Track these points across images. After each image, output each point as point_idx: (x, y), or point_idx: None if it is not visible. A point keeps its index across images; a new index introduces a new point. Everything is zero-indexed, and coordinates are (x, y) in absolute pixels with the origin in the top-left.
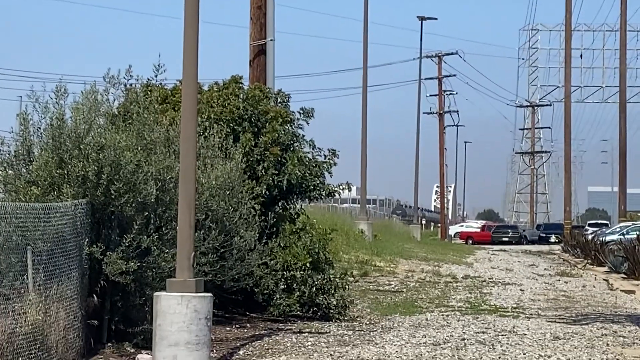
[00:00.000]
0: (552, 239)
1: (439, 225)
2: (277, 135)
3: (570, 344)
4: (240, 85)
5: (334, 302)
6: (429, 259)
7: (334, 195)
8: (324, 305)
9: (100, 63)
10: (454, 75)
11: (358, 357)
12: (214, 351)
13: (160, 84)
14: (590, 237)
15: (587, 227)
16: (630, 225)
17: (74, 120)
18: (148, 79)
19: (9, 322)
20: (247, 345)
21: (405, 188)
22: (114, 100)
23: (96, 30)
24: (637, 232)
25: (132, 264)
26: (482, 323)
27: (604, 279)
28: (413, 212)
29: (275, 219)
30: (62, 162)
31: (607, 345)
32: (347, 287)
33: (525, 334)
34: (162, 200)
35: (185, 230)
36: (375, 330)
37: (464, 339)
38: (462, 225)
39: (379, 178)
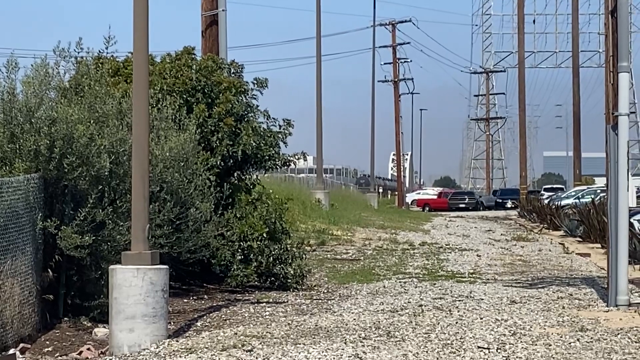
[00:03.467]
0: (509, 204)
1: (396, 193)
2: (230, 105)
3: (527, 307)
4: (193, 56)
5: (292, 272)
6: (386, 226)
7: (290, 164)
8: (281, 275)
9: (50, 36)
10: (408, 43)
11: (316, 325)
12: (172, 323)
13: (112, 56)
14: (546, 201)
15: (542, 192)
16: (585, 189)
17: (25, 94)
18: (99, 52)
19: None
20: (205, 317)
21: (361, 157)
22: (65, 73)
23: (46, 3)
24: (592, 196)
25: (87, 237)
26: (440, 289)
27: (560, 243)
28: (371, 181)
29: (230, 190)
30: (14, 136)
31: (563, 307)
32: (304, 256)
33: (482, 299)
34: (116, 173)
35: (139, 203)
36: (333, 299)
37: (421, 305)
38: (419, 193)
39: (335, 147)
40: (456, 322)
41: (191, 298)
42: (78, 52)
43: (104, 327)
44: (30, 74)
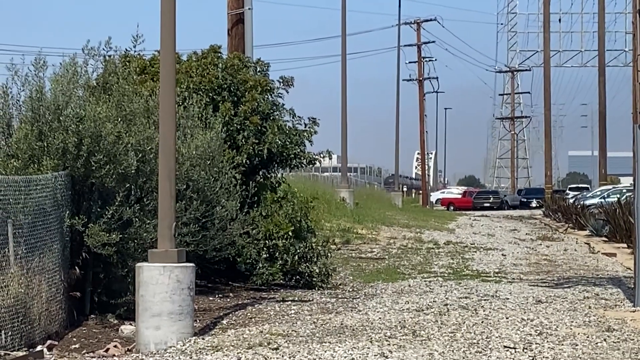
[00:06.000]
0: (534, 203)
1: (420, 192)
2: (256, 104)
3: (553, 307)
4: (219, 54)
5: (317, 270)
6: (410, 225)
7: (315, 163)
8: (306, 274)
9: (79, 34)
10: (433, 42)
11: (341, 324)
12: (198, 321)
13: (139, 54)
14: (571, 201)
15: (568, 191)
16: (610, 189)
17: (53, 92)
18: (126, 50)
19: None
20: (231, 315)
21: (386, 155)
22: (93, 71)
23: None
24: (618, 196)
25: (114, 235)
26: (465, 288)
27: (586, 243)
28: (395, 180)
29: (256, 188)
30: (42, 134)
31: (589, 307)
32: (329, 255)
33: (508, 299)
34: (143, 171)
35: (166, 201)
36: (358, 297)
37: (446, 305)
38: (443, 192)
39: (360, 146)
40: (482, 322)
41: (217, 296)
42: (107, 51)
43: (131, 324)
44: (59, 72)
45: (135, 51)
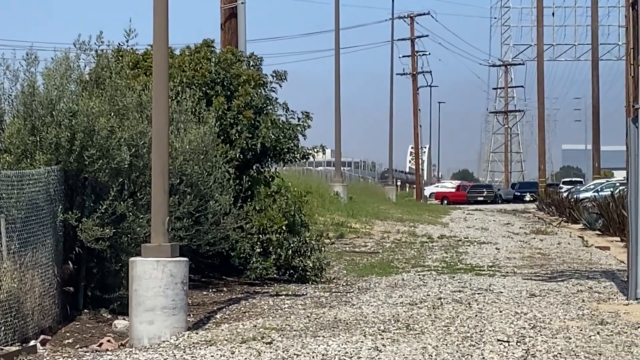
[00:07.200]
0: (527, 197)
1: (414, 186)
2: (250, 98)
3: (546, 300)
4: (212, 49)
5: (310, 265)
6: (404, 219)
7: (308, 157)
8: (300, 268)
9: (70, 29)
10: (427, 36)
11: (335, 318)
12: (191, 315)
13: (132, 49)
14: (564, 194)
15: (561, 185)
16: (604, 183)
17: (46, 86)
18: (119, 44)
19: None
20: (224, 309)
21: (380, 150)
22: (85, 66)
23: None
24: (611, 189)
25: (108, 230)
26: (459, 282)
27: (579, 236)
28: (389, 174)
29: (250, 183)
30: (35, 129)
31: (583, 301)
32: (323, 249)
33: (502, 292)
34: (136, 166)
35: (159, 196)
36: (352, 292)
37: (440, 298)
38: (437, 186)
39: (353, 140)
40: (475, 315)
41: (210, 290)
42: (98, 45)
43: (124, 319)
44: (52, 67)
45: (128, 45)
